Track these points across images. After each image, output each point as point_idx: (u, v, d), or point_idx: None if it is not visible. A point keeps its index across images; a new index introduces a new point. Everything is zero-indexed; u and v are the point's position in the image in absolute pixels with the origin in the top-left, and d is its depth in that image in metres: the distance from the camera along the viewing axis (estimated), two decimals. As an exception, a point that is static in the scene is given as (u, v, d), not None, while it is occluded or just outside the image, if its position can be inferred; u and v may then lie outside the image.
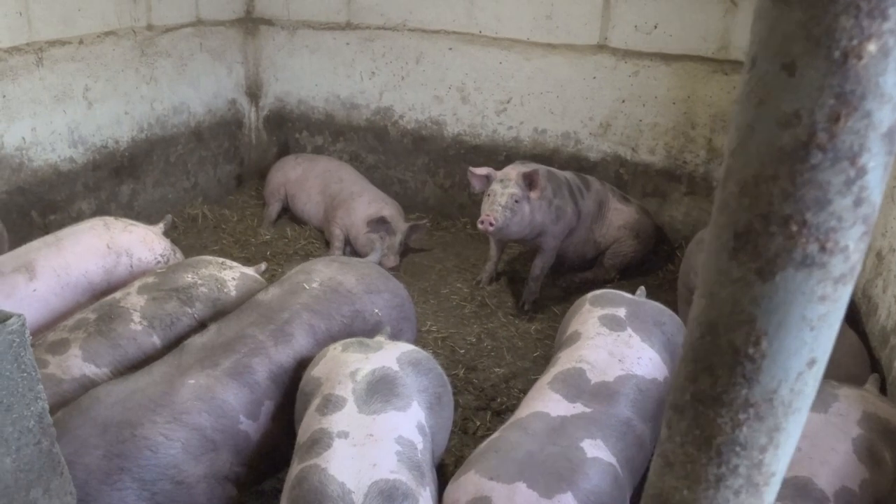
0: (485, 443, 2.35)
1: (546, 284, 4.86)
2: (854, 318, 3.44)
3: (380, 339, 2.68)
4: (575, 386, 2.54)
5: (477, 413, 3.65)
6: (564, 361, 2.71)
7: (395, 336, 2.82)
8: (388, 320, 3.03)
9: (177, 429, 2.33)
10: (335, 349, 2.58)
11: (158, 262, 3.53)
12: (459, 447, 3.36)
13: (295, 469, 2.17)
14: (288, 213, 5.82)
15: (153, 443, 2.27)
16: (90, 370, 2.75)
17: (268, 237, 5.55)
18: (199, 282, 3.17)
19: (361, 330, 2.95)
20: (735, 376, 0.49)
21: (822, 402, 2.37)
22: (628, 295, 3.11)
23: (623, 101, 5.36)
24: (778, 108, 0.43)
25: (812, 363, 0.49)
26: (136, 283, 3.17)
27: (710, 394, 0.50)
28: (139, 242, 3.51)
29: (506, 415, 3.59)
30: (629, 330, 2.81)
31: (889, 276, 3.15)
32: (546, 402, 2.48)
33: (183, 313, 3.04)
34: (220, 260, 3.45)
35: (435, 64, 5.71)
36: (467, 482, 2.15)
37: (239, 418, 2.51)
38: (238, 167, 6.35)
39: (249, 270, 3.46)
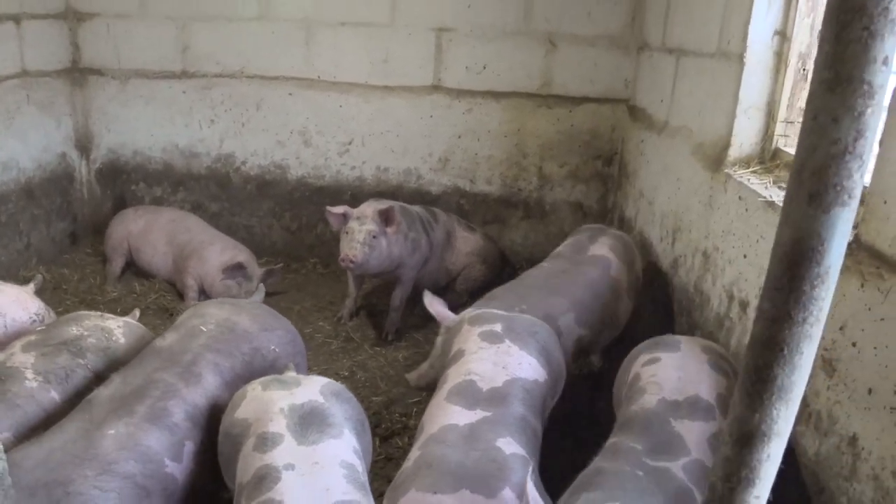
0: (410, 462, 2.49)
1: (405, 313, 5.08)
2: (689, 308, 3.93)
3: (291, 374, 2.78)
4: (470, 396, 2.78)
5: (365, 441, 3.78)
6: (454, 377, 2.94)
7: (296, 371, 2.93)
8: (285, 356, 3.13)
9: (109, 480, 2.31)
10: (254, 389, 2.64)
11: (34, 321, 3.43)
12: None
13: None
14: (132, 267, 5.69)
15: (88, 497, 2.24)
16: None
17: (115, 294, 5.40)
18: (86, 333, 3.12)
19: (261, 367, 3.03)
20: (812, 262, 0.94)
21: (672, 347, 3.05)
22: (501, 312, 3.40)
23: (459, 137, 5.74)
24: (830, 135, 0.89)
25: (840, 252, 0.95)
26: (18, 344, 3.06)
27: (799, 273, 0.95)
28: (13, 302, 3.40)
29: (392, 439, 3.78)
30: (507, 341, 3.10)
31: (716, 271, 3.64)
32: (449, 415, 2.69)
33: (76, 365, 2.98)
34: (98, 313, 3.41)
35: (275, 109, 5.83)
36: (411, 501, 2.27)
37: (164, 462, 2.52)
38: (71, 224, 6.11)
39: (129, 319, 3.45)
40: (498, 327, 3.17)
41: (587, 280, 3.99)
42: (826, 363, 2.54)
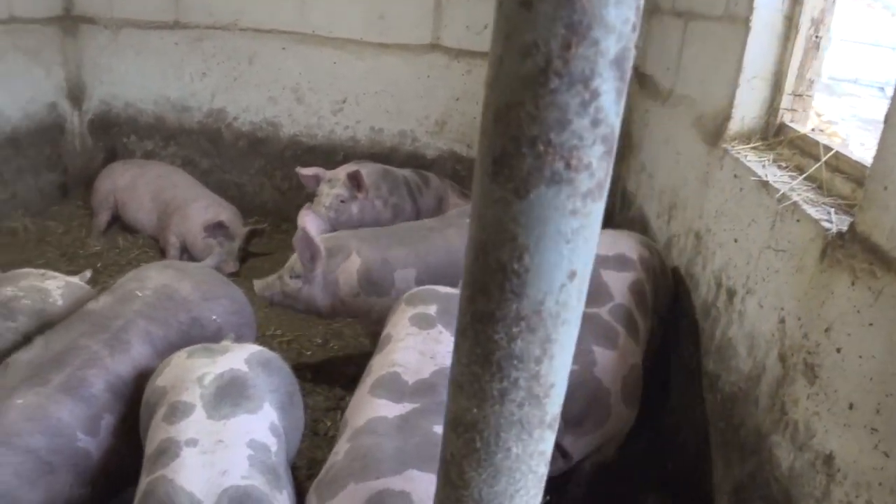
0: (340, 455, 2.22)
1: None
2: (677, 293, 3.69)
3: (226, 343, 2.61)
4: (396, 390, 2.53)
5: (327, 414, 3.63)
6: (378, 368, 2.69)
7: (238, 342, 2.76)
8: (228, 326, 2.96)
9: (7, 453, 2.16)
10: (180, 356, 2.48)
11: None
12: (311, 448, 3.34)
13: (143, 482, 2.07)
14: (119, 222, 5.55)
15: None
16: None
17: (98, 248, 5.27)
18: (20, 294, 2.96)
19: (201, 337, 2.86)
20: (505, 292, 0.52)
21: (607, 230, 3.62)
22: (443, 289, 3.17)
23: (457, 100, 5.48)
24: (520, 39, 0.46)
25: (573, 275, 0.53)
26: None
27: (485, 311, 0.53)
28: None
29: (355, 414, 3.61)
30: (439, 326, 2.86)
31: (707, 255, 3.39)
32: (375, 408, 2.44)
33: (5, 328, 2.81)
34: (41, 271, 3.25)
35: (268, 64, 5.62)
36: (352, 495, 2.03)
37: (76, 435, 2.37)
38: (61, 175, 5.98)
39: (74, 279, 3.28)
40: (432, 309, 2.93)
41: (444, 242, 3.87)
42: (808, 368, 2.29)
